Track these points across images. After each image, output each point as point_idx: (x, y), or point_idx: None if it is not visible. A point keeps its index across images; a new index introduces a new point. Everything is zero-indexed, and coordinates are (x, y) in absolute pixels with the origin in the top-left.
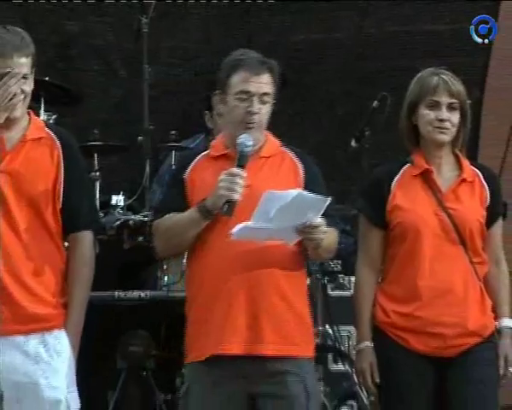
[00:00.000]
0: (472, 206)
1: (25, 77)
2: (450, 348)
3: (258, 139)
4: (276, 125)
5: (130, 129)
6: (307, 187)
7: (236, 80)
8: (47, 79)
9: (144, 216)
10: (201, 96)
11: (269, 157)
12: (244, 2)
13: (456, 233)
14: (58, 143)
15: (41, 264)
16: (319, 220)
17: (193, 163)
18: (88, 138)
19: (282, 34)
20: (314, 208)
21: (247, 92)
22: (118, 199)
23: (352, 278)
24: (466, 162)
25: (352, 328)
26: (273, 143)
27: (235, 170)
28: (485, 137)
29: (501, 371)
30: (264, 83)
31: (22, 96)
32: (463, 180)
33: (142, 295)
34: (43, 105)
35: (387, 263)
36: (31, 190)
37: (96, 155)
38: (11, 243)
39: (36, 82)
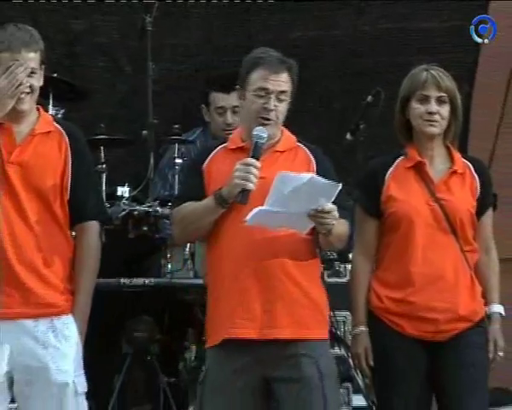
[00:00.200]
0: (463, 197)
1: (33, 72)
2: (442, 333)
3: (275, 134)
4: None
5: (135, 123)
6: None
7: (256, 77)
8: (55, 75)
9: (148, 207)
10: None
11: (284, 151)
12: (244, 2)
13: (448, 223)
14: (66, 136)
15: (50, 253)
16: (331, 206)
17: (211, 155)
18: (94, 132)
19: (280, 32)
20: (326, 194)
21: (265, 89)
22: (123, 190)
23: (348, 266)
24: (457, 155)
25: (347, 313)
26: (289, 138)
27: (250, 160)
28: (474, 131)
29: (490, 356)
30: (282, 81)
31: (29, 91)
32: (454, 172)
33: (147, 282)
34: (51, 100)
35: (382, 251)
36: (39, 183)
37: (102, 149)
38: (22, 232)
39: (44, 78)
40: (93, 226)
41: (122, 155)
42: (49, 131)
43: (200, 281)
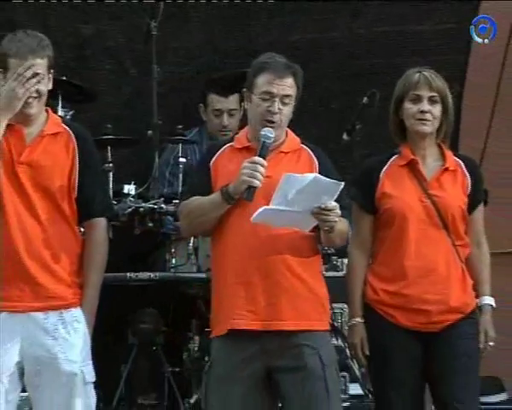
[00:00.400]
0: (454, 193)
1: (41, 77)
2: (434, 324)
3: (279, 136)
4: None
5: (140, 124)
6: None
7: (262, 81)
8: (64, 78)
9: (154, 204)
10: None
11: (288, 153)
12: (244, 5)
13: (440, 218)
14: (73, 137)
15: (59, 248)
16: (334, 203)
17: (218, 153)
18: (102, 132)
19: (280, 35)
20: (329, 192)
21: (270, 93)
22: (129, 188)
23: (345, 260)
24: (449, 153)
25: (344, 305)
26: (293, 140)
27: (257, 159)
28: (465, 130)
29: (481, 346)
30: (287, 86)
31: (37, 95)
32: (446, 169)
33: (152, 276)
34: (60, 102)
35: (377, 246)
36: (48, 182)
37: (109, 148)
38: (32, 228)
39: (54, 81)
40: (101, 223)
41: (128, 155)
42: (57, 133)
43: (203, 275)
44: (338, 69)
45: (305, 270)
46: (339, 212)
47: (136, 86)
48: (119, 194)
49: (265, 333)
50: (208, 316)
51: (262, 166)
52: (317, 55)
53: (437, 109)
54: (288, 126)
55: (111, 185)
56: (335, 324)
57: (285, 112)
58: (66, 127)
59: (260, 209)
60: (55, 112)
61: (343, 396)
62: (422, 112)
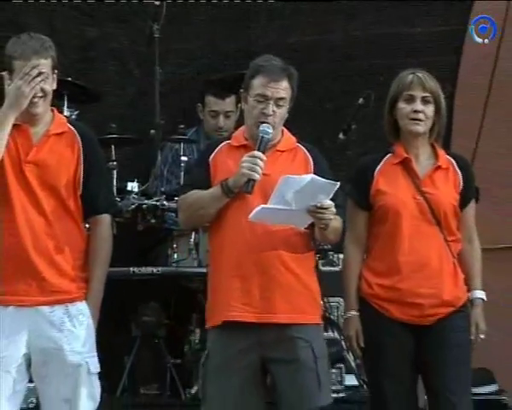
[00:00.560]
0: (446, 190)
1: (45, 76)
2: (427, 317)
3: (275, 136)
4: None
5: (143, 123)
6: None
7: (257, 84)
8: (69, 79)
9: (156, 201)
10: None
11: (284, 151)
12: (244, 6)
13: (432, 215)
14: (78, 136)
15: (64, 243)
16: (329, 202)
17: (217, 149)
18: (106, 132)
19: (279, 37)
20: (324, 192)
21: (264, 96)
22: (132, 185)
23: (341, 256)
24: (441, 152)
25: (340, 299)
26: (289, 139)
27: (257, 153)
28: (456, 130)
29: (472, 338)
30: (281, 89)
31: (42, 95)
32: (439, 167)
33: (155, 270)
34: (66, 102)
35: (371, 241)
36: (54, 180)
37: (113, 147)
38: (38, 224)
39: (59, 82)
40: (105, 219)
41: (131, 153)
42: (62, 132)
43: (203, 270)
44: (334, 70)
45: (298, 265)
46: (334, 210)
47: (140, 87)
48: (123, 191)
49: (260, 325)
50: None
51: (261, 160)
52: (314, 57)
53: (430, 109)
54: (287, 125)
55: (115, 183)
56: (332, 317)
57: (279, 114)
58: (72, 127)
59: (258, 208)
60: (61, 112)
61: (339, 387)
62: (416, 112)
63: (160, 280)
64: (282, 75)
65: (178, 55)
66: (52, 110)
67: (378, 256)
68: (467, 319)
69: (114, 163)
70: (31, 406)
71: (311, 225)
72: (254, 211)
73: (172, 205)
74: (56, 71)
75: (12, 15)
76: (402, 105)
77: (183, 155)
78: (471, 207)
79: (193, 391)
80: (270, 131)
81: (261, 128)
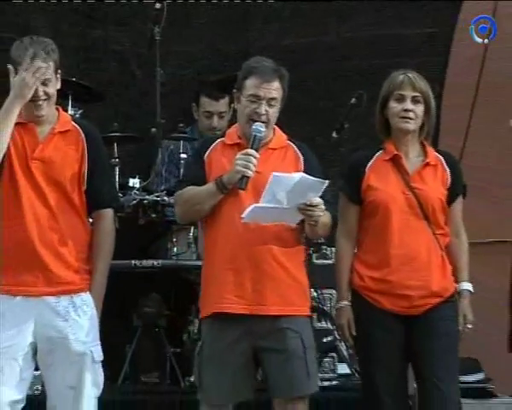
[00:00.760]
0: (434, 186)
1: (48, 80)
2: (416, 308)
3: (267, 135)
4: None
5: (145, 122)
6: (307, 174)
7: (250, 84)
8: (74, 79)
9: (157, 196)
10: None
11: (276, 149)
12: (244, 6)
13: (421, 209)
14: (83, 134)
15: (69, 237)
16: (318, 200)
17: (211, 147)
18: (109, 130)
19: (275, 38)
20: (314, 190)
21: (257, 96)
22: (134, 182)
23: (334, 249)
24: (430, 149)
25: (333, 291)
26: (280, 137)
27: (250, 151)
28: (444, 129)
29: (460, 328)
30: (273, 89)
31: (46, 97)
32: (427, 164)
33: (155, 263)
34: (70, 102)
35: (362, 235)
36: (59, 176)
37: (115, 145)
38: (44, 217)
39: (64, 82)
40: (108, 213)
41: (133, 150)
42: (67, 130)
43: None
44: (328, 71)
45: (288, 260)
46: (323, 207)
47: (141, 87)
48: (125, 187)
49: (251, 317)
50: None
51: (254, 157)
52: (310, 58)
53: (419, 109)
54: (282, 123)
55: (117, 179)
56: (325, 308)
57: (271, 113)
58: (76, 125)
59: (250, 207)
60: (65, 111)
61: (332, 375)
62: (406, 110)
63: (160, 273)
64: (274, 76)
65: (179, 57)
66: (57, 109)
67: (369, 249)
68: (455, 309)
69: (117, 160)
70: (36, 393)
71: (301, 221)
72: (247, 211)
73: (172, 201)
74: (59, 71)
75: (20, 18)
76: (393, 104)
77: (183, 153)
78: (458, 202)
79: (192, 379)
80: (263, 129)
81: (254, 127)
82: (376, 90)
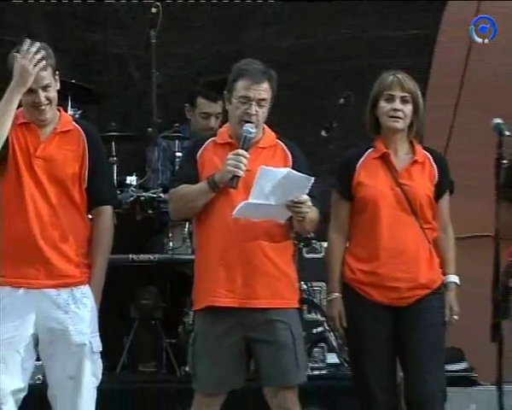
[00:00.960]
0: (422, 183)
1: (47, 85)
2: (405, 299)
3: (257, 134)
4: (270, 118)
5: (142, 122)
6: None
7: (240, 86)
8: (73, 81)
9: (153, 193)
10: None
11: (265, 148)
12: (241, 10)
13: (409, 205)
14: (83, 134)
15: (69, 232)
16: (305, 196)
17: (203, 146)
18: (107, 129)
19: (269, 41)
20: (300, 185)
21: (247, 97)
22: (131, 179)
23: (324, 243)
24: (419, 147)
25: (323, 284)
26: (270, 136)
27: (241, 151)
28: (428, 129)
29: (446, 319)
30: (262, 90)
31: (48, 102)
32: (415, 162)
33: (152, 257)
34: (70, 103)
35: (353, 229)
36: (60, 173)
37: (113, 144)
38: (46, 215)
39: (64, 83)
40: (107, 210)
41: (130, 149)
42: (69, 130)
43: None
44: (318, 71)
45: (278, 255)
46: (310, 204)
47: (139, 89)
48: (123, 184)
49: (242, 309)
50: None
51: (245, 157)
52: (309, 58)
53: (408, 108)
54: (275, 121)
55: (115, 177)
56: (315, 300)
57: (261, 113)
58: (77, 125)
59: (240, 204)
60: (66, 111)
61: (322, 365)
62: (395, 110)
63: (156, 266)
64: (263, 78)
65: (178, 58)
66: (59, 110)
67: (359, 243)
68: (442, 300)
69: (115, 158)
70: (37, 382)
71: (290, 218)
72: (237, 208)
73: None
74: (57, 73)
75: (22, 21)
76: (382, 104)
77: (178, 151)
78: (445, 198)
79: (187, 368)
80: (253, 130)
81: (244, 128)
82: (363, 89)
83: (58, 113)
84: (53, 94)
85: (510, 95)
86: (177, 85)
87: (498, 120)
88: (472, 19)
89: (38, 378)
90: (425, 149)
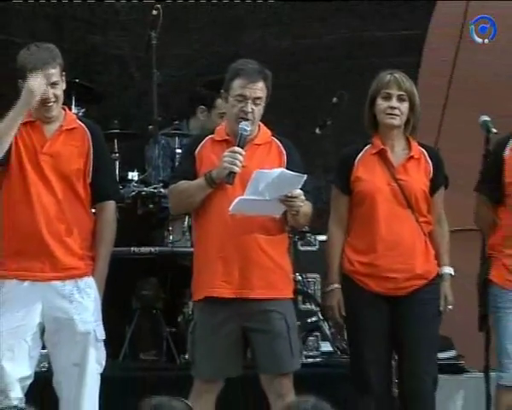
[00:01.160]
0: (418, 178)
1: (55, 83)
2: (402, 289)
3: (252, 131)
4: (268, 116)
5: (143, 120)
6: (289, 168)
7: (236, 85)
8: (77, 81)
9: (154, 188)
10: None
11: (260, 145)
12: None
13: (405, 199)
14: (88, 131)
15: (74, 226)
16: (298, 191)
17: (201, 143)
18: (109, 127)
19: (269, 41)
20: (293, 183)
21: (243, 96)
22: (133, 175)
23: (318, 237)
24: (415, 144)
25: (317, 275)
26: (265, 133)
27: (236, 148)
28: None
29: (441, 309)
30: (257, 89)
31: (55, 99)
32: (411, 158)
33: (152, 250)
34: (73, 101)
35: (352, 223)
36: (66, 169)
37: (115, 141)
38: (52, 210)
39: (68, 83)
40: (110, 205)
41: (132, 146)
42: (74, 128)
43: None
44: (318, 71)
45: (273, 248)
46: (303, 198)
47: (139, 88)
48: (124, 180)
49: (239, 300)
50: None
51: (241, 154)
52: (309, 59)
53: (404, 106)
54: (275, 120)
55: (117, 172)
56: (309, 291)
57: (257, 111)
58: (81, 123)
59: (236, 200)
60: (70, 110)
61: (315, 353)
62: (392, 108)
63: (157, 259)
64: (259, 77)
65: (176, 60)
66: (64, 108)
67: (358, 236)
68: (437, 291)
69: (117, 155)
70: (43, 369)
71: (285, 213)
72: (233, 203)
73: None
74: (64, 73)
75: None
76: (380, 102)
77: (177, 148)
78: (440, 193)
79: (186, 356)
80: (249, 128)
81: (240, 126)
82: (357, 87)
83: (63, 111)
84: (60, 92)
85: (498, 93)
86: (176, 85)
87: (486, 118)
88: (460, 19)
89: (44, 366)
90: (421, 145)
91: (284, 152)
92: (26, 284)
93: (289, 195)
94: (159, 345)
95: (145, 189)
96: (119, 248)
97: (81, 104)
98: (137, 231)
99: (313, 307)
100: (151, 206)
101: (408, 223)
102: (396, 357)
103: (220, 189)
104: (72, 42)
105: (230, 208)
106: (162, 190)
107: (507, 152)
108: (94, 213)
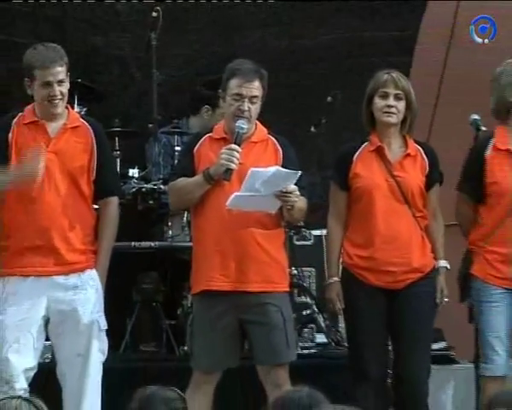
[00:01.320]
0: (414, 174)
1: (62, 81)
2: (399, 282)
3: (249, 129)
4: (268, 116)
5: (143, 118)
6: (284, 165)
7: (233, 84)
8: (79, 80)
9: (154, 185)
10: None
11: (257, 142)
12: (240, 13)
13: (402, 195)
14: (91, 130)
15: (77, 222)
16: (293, 186)
17: (200, 141)
18: (111, 126)
19: (263, 42)
20: (288, 180)
21: (240, 95)
22: (133, 172)
23: (313, 232)
24: (411, 141)
25: (312, 269)
26: (261, 131)
27: (233, 146)
28: None
29: (437, 301)
30: (254, 88)
31: (61, 97)
32: (408, 155)
33: (152, 244)
34: (76, 101)
35: (350, 218)
36: (70, 166)
37: (116, 139)
38: (56, 206)
39: (70, 83)
40: (113, 201)
41: (132, 144)
42: (77, 126)
43: None
44: (312, 71)
45: (269, 242)
46: (298, 193)
47: (140, 88)
48: (125, 176)
49: (236, 293)
50: None
51: (237, 151)
52: (309, 59)
53: (401, 105)
54: (274, 119)
55: (118, 169)
56: (304, 284)
57: (253, 109)
58: (84, 121)
59: (232, 196)
60: (72, 108)
61: (311, 344)
62: (389, 106)
63: (157, 253)
64: (255, 76)
65: (175, 60)
66: (67, 107)
67: (356, 231)
68: (433, 284)
69: (118, 152)
70: (46, 360)
71: (280, 207)
72: (229, 199)
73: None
74: (69, 73)
75: (30, 26)
76: (377, 100)
77: (177, 146)
78: (435, 189)
79: (185, 348)
80: (245, 126)
81: (237, 124)
82: (353, 87)
83: (67, 110)
84: (65, 90)
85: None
86: (176, 85)
87: (475, 116)
88: (451, 19)
89: (47, 357)
90: (417, 143)
91: (280, 149)
92: (30, 279)
93: (284, 190)
94: (159, 337)
95: (145, 185)
96: (120, 242)
97: (83, 103)
98: (138, 227)
99: (308, 300)
100: (151, 202)
101: (405, 218)
102: (391, 348)
103: (218, 185)
104: (74, 43)
105: (227, 203)
106: (162, 186)
107: (488, 151)
108: (96, 208)
